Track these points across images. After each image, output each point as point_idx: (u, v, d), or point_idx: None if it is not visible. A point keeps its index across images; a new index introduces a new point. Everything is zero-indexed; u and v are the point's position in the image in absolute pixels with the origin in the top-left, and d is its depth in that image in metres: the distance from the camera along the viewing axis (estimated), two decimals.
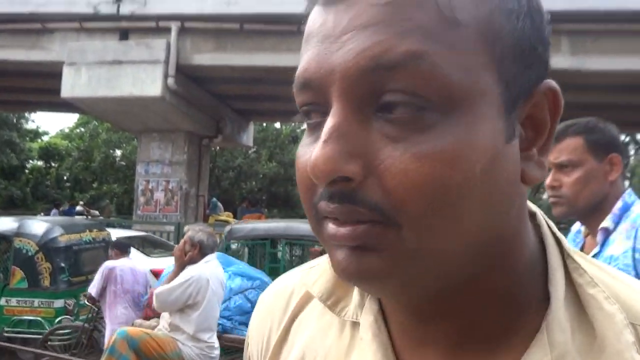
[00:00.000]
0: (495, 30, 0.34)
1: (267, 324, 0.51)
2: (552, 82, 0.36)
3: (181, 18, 8.25)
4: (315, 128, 0.36)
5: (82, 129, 24.19)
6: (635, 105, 9.60)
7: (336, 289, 0.45)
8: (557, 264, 0.39)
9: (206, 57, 8.44)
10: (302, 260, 5.40)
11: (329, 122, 0.33)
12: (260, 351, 0.51)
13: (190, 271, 3.31)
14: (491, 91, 0.34)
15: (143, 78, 8.39)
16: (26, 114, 23.60)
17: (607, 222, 1.35)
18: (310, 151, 0.35)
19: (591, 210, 1.38)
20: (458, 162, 0.32)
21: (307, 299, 0.49)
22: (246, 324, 3.67)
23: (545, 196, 1.53)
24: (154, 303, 3.27)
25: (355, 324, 0.44)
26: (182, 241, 3.46)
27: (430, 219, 0.32)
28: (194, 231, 3.46)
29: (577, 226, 1.57)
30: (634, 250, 1.29)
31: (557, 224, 0.44)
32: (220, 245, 4.99)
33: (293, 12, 7.54)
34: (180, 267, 3.35)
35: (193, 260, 3.38)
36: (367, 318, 0.42)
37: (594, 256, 1.32)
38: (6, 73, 9.57)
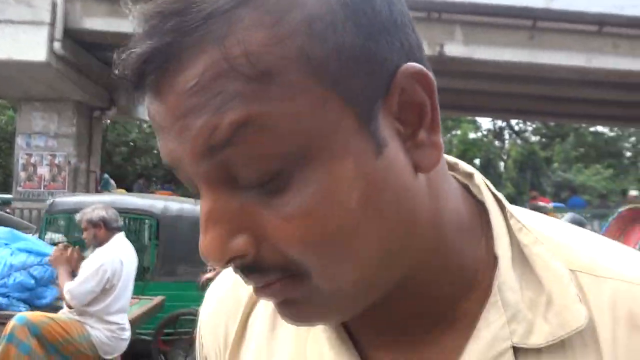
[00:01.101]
0: (315, 59, 0.31)
1: (222, 322, 0.49)
2: (412, 65, 0.34)
3: None
4: None
5: None
6: (513, 93, 10.52)
7: None
8: (500, 225, 0.40)
9: (99, 22, 7.81)
10: (131, 234, 5.09)
11: (203, 208, 0.34)
12: (218, 350, 0.49)
13: (101, 256, 3.08)
14: (340, 117, 0.32)
15: (24, 40, 7.57)
16: None
17: None
18: None
19: None
20: (329, 209, 0.32)
21: None
22: (25, 301, 3.53)
23: None
24: (69, 301, 3.01)
25: None
26: (60, 245, 3.19)
27: (330, 262, 0.33)
28: (88, 212, 3.21)
29: None
30: None
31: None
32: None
33: None
34: (67, 269, 3.08)
35: (102, 241, 3.16)
36: None
37: None
38: None
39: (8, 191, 9.06)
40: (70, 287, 3.01)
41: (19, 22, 7.59)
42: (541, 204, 8.60)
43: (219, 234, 0.33)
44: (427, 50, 7.51)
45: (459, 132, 23.41)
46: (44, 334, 2.89)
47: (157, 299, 4.13)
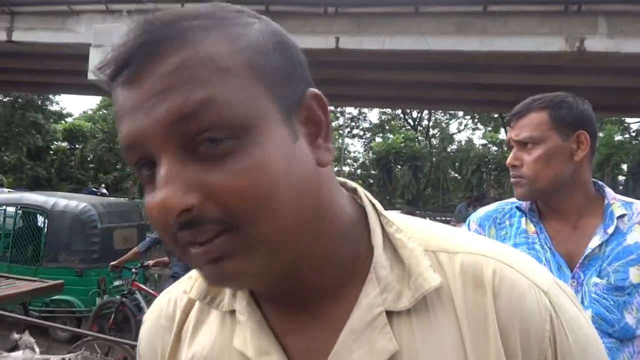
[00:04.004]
0: (258, 67, 0.45)
1: (159, 337, 0.60)
2: (314, 90, 0.49)
3: (207, 0, 8.19)
4: (151, 179, 0.44)
5: (105, 111, 24.50)
6: None
7: (210, 288, 0.56)
8: (375, 222, 0.53)
9: None
10: (28, 225, 6.25)
11: (161, 171, 0.43)
12: None
13: None
14: (270, 110, 0.44)
15: None
16: (51, 96, 23.98)
17: (623, 210, 1.24)
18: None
19: (554, 191, 1.26)
20: (263, 170, 0.42)
21: (190, 305, 0.58)
22: None
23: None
24: None
25: (232, 313, 0.54)
26: None
27: (258, 214, 0.42)
28: None
29: (478, 214, 1.42)
30: None
31: None
32: None
33: None
34: None
35: None
36: (241, 303, 0.53)
37: (606, 241, 1.21)
38: (33, 55, 9.70)
39: None
40: None
41: None
42: None
43: (173, 190, 0.41)
44: (565, 47, 6.81)
45: (601, 134, 21.19)
46: None
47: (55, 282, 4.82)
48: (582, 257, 1.22)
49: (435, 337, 0.48)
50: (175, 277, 5.08)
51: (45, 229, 5.99)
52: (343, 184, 0.56)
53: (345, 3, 7.27)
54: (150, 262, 5.46)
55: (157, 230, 0.45)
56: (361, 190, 0.56)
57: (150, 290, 5.49)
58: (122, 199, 13.54)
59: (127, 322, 5.29)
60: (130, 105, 0.43)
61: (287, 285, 0.50)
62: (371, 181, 25.64)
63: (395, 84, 10.23)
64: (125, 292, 5.32)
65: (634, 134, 23.54)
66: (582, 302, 1.20)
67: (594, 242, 1.22)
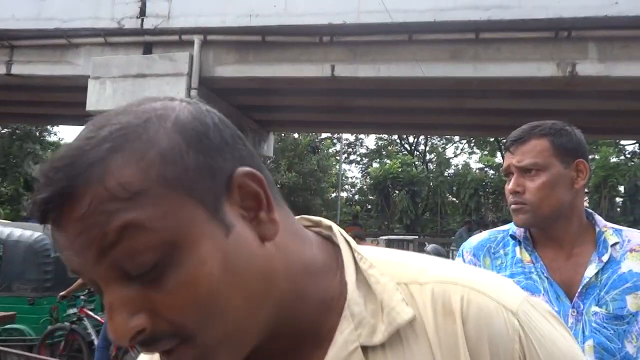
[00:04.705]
0: (172, 177, 0.44)
1: None
2: (243, 168, 0.48)
3: (204, 31, 8.32)
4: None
5: None
6: None
7: None
8: (348, 258, 0.54)
9: (228, 69, 8.49)
10: None
11: (105, 300, 0.45)
12: None
13: None
14: (194, 214, 0.44)
15: (167, 91, 8.44)
16: (49, 127, 24.10)
17: (615, 238, 1.25)
18: None
19: (555, 218, 1.26)
20: (199, 282, 0.43)
21: None
22: None
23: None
24: None
25: None
26: None
27: (208, 322, 0.44)
28: None
29: (470, 243, 1.40)
30: None
31: None
32: None
33: (314, 24, 7.53)
34: None
35: None
36: None
37: (602, 269, 1.21)
38: (33, 87, 9.77)
39: None
40: None
41: (163, 75, 8.51)
42: None
43: (121, 319, 0.43)
44: (557, 72, 6.89)
45: (597, 156, 21.28)
46: None
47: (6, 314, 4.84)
48: (581, 287, 1.21)
49: None
50: None
51: (0, 259, 6.02)
52: (318, 223, 0.59)
53: (340, 32, 7.39)
54: None
55: None
56: (336, 229, 0.57)
57: (98, 317, 5.57)
58: None
59: (79, 350, 5.38)
60: (62, 245, 0.45)
61: (263, 344, 0.50)
62: (369, 206, 25.57)
63: (391, 110, 10.32)
64: (75, 320, 5.44)
65: (629, 156, 23.67)
66: (583, 332, 1.20)
67: (590, 270, 1.22)
